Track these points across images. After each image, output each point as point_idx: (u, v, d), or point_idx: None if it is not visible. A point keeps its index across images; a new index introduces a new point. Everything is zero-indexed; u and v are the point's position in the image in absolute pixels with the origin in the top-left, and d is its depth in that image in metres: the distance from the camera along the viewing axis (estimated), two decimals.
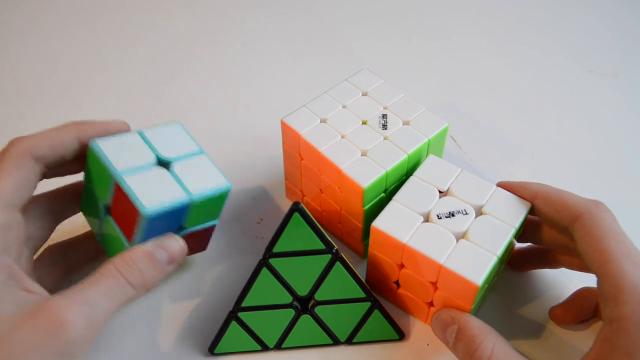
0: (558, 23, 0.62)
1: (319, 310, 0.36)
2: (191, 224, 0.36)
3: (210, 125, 0.52)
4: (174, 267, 0.35)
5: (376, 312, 0.36)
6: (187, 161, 0.36)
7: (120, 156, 0.34)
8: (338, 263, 0.35)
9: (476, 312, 0.35)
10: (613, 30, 0.61)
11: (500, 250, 0.33)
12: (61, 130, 0.35)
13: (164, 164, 0.35)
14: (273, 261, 0.34)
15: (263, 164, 0.48)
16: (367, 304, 0.36)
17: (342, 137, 0.39)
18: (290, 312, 0.36)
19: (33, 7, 0.63)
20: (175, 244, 0.34)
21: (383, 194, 0.39)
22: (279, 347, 0.37)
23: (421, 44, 0.60)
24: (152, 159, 0.35)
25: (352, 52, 0.59)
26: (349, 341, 0.37)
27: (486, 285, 0.34)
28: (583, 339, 0.38)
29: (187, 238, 0.37)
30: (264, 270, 0.35)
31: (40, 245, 0.37)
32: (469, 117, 0.52)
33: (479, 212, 0.36)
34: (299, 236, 0.34)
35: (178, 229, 0.36)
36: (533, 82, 0.56)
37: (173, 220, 0.35)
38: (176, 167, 0.35)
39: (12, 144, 0.33)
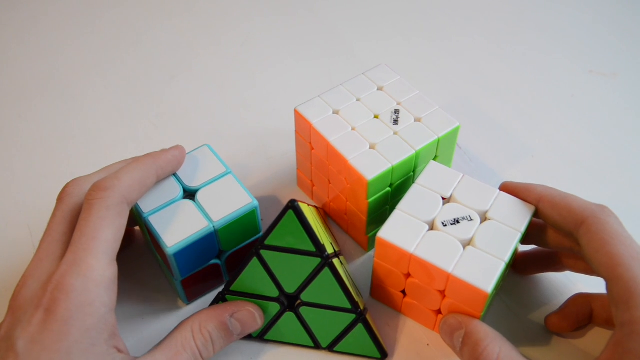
0: (558, 23, 0.62)
1: (303, 310, 0.36)
2: (229, 246, 0.37)
3: (210, 126, 0.52)
4: (240, 337, 0.36)
5: (360, 326, 0.36)
6: (213, 186, 0.37)
7: (149, 197, 0.36)
8: (327, 269, 0.34)
9: (483, 318, 0.35)
10: (613, 30, 0.61)
11: (507, 255, 0.33)
12: (144, 169, 0.34)
13: (190, 193, 0.37)
14: (264, 253, 0.34)
15: (263, 163, 0.48)
16: (352, 316, 0.35)
17: (353, 129, 0.39)
18: (276, 306, 0.36)
19: (33, 7, 0.63)
20: (251, 319, 0.35)
21: (389, 189, 0.38)
22: (261, 337, 0.37)
23: (421, 44, 0.60)
24: (179, 192, 0.36)
25: (354, 52, 0.59)
26: (330, 348, 0.37)
27: (494, 292, 0.34)
28: (591, 343, 0.37)
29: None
30: (254, 259, 0.35)
31: None
32: (468, 117, 0.52)
33: (484, 218, 0.35)
34: (291, 234, 0.34)
35: (219, 252, 0.37)
36: (533, 82, 0.56)
37: (206, 247, 0.36)
38: (200, 195, 0.36)
39: (108, 188, 0.32)
